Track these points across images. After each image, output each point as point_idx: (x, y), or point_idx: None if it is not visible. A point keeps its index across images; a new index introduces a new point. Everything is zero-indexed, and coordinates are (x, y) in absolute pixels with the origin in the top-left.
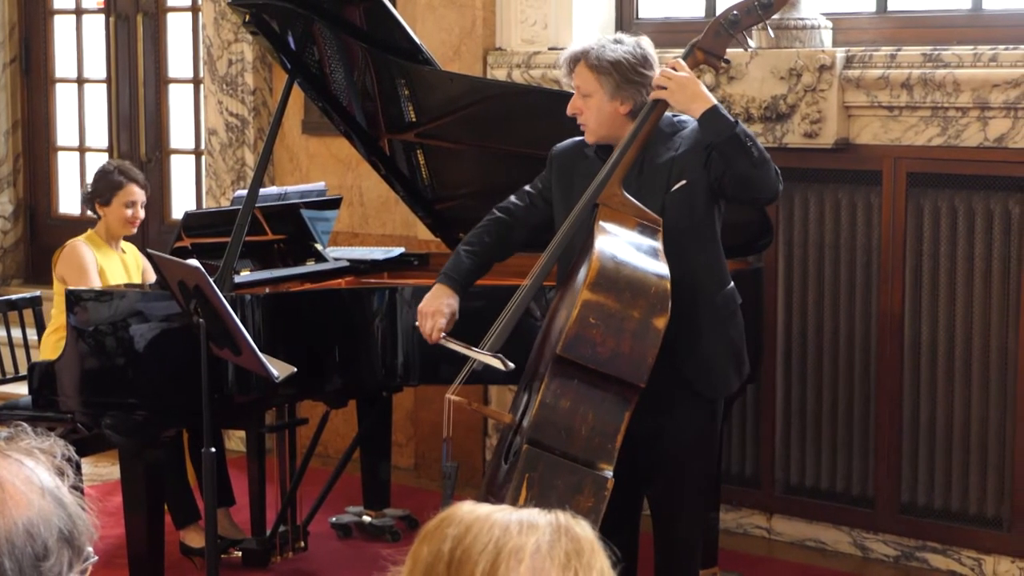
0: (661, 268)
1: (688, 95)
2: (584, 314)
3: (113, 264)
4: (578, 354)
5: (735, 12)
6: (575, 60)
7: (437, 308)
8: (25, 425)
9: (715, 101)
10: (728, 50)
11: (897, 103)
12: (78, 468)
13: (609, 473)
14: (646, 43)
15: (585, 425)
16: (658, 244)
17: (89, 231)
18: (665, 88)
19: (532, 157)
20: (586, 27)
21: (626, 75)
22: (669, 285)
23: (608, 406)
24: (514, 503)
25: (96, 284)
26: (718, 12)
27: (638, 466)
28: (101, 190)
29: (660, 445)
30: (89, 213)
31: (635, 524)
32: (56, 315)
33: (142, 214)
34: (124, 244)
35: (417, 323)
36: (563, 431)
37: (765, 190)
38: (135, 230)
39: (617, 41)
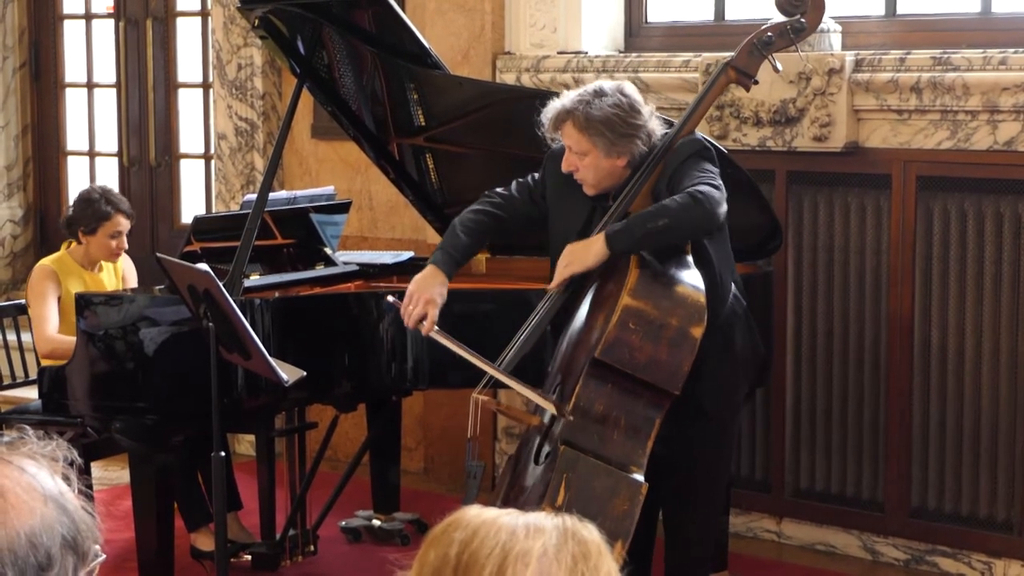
0: (696, 280)
1: (586, 255)
2: (624, 319)
3: (79, 288)
4: (616, 358)
5: (769, 34)
6: (560, 120)
7: (431, 297)
8: (28, 428)
9: (599, 236)
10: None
11: (907, 106)
12: (81, 471)
13: (641, 477)
14: (629, 89)
15: (617, 430)
16: (688, 256)
17: (63, 251)
18: (567, 267)
19: (541, 161)
20: (595, 31)
21: (618, 130)
22: (704, 297)
23: (640, 411)
24: (552, 504)
25: (50, 316)
26: (727, 18)
27: (655, 469)
28: (86, 219)
29: (674, 449)
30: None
31: (651, 527)
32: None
33: (126, 244)
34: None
35: (404, 305)
36: (596, 434)
37: (702, 230)
38: (117, 260)
39: (599, 94)
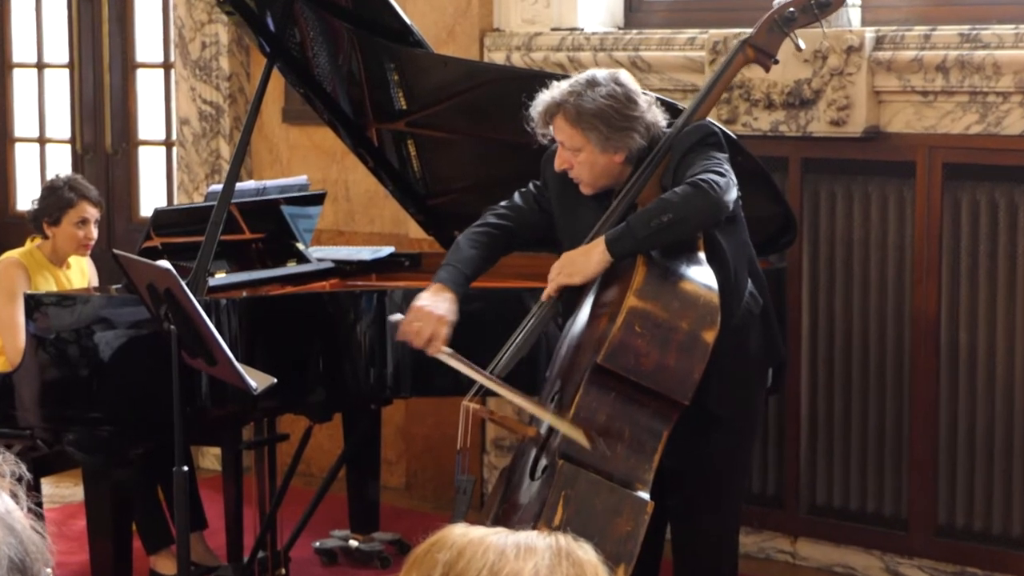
0: (709, 279)
1: (586, 264)
2: (629, 321)
3: (48, 286)
4: (620, 364)
5: (791, 9)
6: (550, 114)
7: (441, 314)
8: None
9: (598, 240)
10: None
11: (932, 88)
12: (30, 487)
13: (647, 495)
14: (625, 78)
15: (621, 443)
16: (701, 253)
17: (30, 244)
18: (567, 277)
19: (532, 147)
20: (592, 6)
21: (613, 124)
22: (718, 298)
23: (646, 423)
24: (549, 523)
25: (24, 320)
26: None
27: (662, 483)
28: (49, 208)
29: (684, 460)
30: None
31: (658, 546)
32: None
33: (95, 234)
34: (72, 257)
35: (410, 322)
36: (597, 447)
37: (710, 221)
38: (88, 253)
39: (592, 84)
